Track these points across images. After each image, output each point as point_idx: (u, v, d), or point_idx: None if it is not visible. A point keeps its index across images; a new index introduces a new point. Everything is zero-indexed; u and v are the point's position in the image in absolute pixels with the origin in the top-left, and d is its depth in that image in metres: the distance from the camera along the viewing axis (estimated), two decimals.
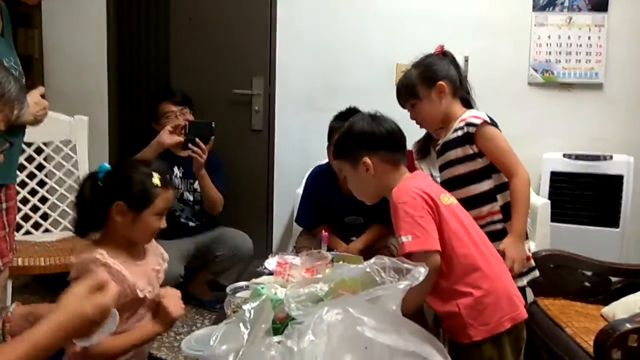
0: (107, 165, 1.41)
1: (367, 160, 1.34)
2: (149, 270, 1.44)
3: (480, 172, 1.63)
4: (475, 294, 1.26)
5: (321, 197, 2.30)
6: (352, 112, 2.20)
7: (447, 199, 1.34)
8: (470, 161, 1.62)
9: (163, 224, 1.42)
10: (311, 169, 2.46)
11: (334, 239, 2.17)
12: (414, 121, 1.75)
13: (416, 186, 1.31)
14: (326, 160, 2.30)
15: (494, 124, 1.64)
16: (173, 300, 1.40)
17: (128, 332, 1.35)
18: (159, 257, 1.51)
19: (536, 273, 1.69)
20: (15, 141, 1.49)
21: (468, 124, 1.62)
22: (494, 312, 1.27)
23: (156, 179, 1.38)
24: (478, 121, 1.61)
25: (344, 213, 2.26)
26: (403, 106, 1.75)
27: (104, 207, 1.37)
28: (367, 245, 2.21)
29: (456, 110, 1.67)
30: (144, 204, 1.36)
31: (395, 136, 1.39)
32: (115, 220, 1.36)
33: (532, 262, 1.68)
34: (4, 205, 1.54)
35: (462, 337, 1.28)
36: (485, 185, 1.62)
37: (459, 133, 1.63)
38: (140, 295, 1.36)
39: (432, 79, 1.66)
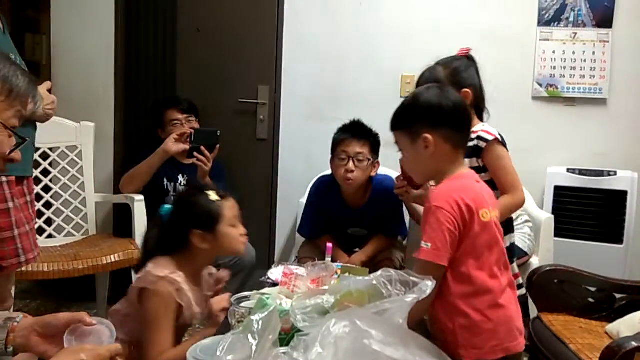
0: (168, 206, 1.48)
1: (429, 136, 1.24)
2: (202, 297, 1.50)
3: None
4: (474, 317, 1.22)
5: (324, 208, 2.29)
6: (355, 124, 2.22)
7: (487, 215, 1.25)
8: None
9: (242, 230, 1.50)
10: (315, 179, 2.46)
11: (336, 251, 2.14)
12: None
13: (459, 193, 1.22)
14: (330, 171, 2.29)
15: (503, 142, 1.64)
16: (222, 305, 1.45)
17: (184, 342, 1.40)
18: (208, 282, 1.56)
19: (522, 291, 1.70)
20: (29, 136, 1.51)
21: (479, 138, 1.62)
22: (489, 338, 1.22)
23: (213, 195, 1.46)
24: (490, 137, 1.61)
25: (347, 225, 2.26)
26: None
27: (181, 240, 1.44)
28: (369, 257, 2.20)
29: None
30: (215, 221, 1.44)
31: (462, 113, 1.29)
32: (200, 247, 1.42)
33: (520, 279, 1.69)
34: (28, 198, 1.55)
35: (452, 353, 1.22)
36: None
37: (470, 144, 1.60)
38: (195, 322, 1.45)
39: (459, 84, 1.63)
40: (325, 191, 2.29)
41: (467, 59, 1.70)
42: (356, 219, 2.25)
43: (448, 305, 1.24)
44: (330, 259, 1.74)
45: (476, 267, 1.22)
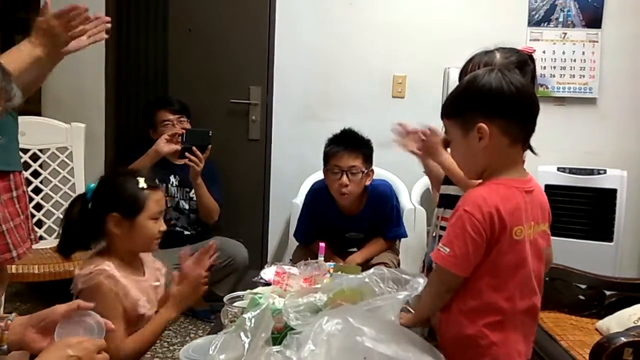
0: (92, 184, 1.41)
1: (484, 126, 1.06)
2: (149, 286, 1.44)
3: None
4: (469, 331, 1.09)
5: (320, 215, 2.26)
6: (347, 135, 2.17)
7: (521, 233, 1.08)
8: None
9: (162, 226, 1.41)
10: (310, 184, 2.44)
11: (330, 256, 2.09)
12: None
13: (496, 203, 1.06)
14: (321, 173, 2.26)
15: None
16: (190, 282, 1.40)
17: (145, 326, 1.35)
18: (157, 272, 1.50)
19: None
20: (6, 128, 1.47)
21: None
22: (482, 355, 1.09)
23: (142, 183, 1.38)
24: None
25: (344, 231, 2.26)
26: (460, 78, 1.52)
27: (99, 223, 1.37)
28: (365, 259, 2.18)
29: None
30: (137, 210, 1.36)
31: (528, 102, 1.10)
32: (114, 233, 1.36)
33: None
34: (14, 193, 1.53)
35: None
36: None
37: None
38: (141, 311, 1.36)
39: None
40: (320, 199, 2.24)
41: (529, 58, 1.58)
42: (353, 226, 2.25)
43: (450, 316, 1.12)
44: (323, 259, 1.74)
45: (491, 285, 1.08)
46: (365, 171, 2.12)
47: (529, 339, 1.16)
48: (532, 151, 1.56)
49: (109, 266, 1.33)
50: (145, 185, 1.38)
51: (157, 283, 1.48)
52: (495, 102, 1.08)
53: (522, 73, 1.56)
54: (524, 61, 1.59)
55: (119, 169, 1.47)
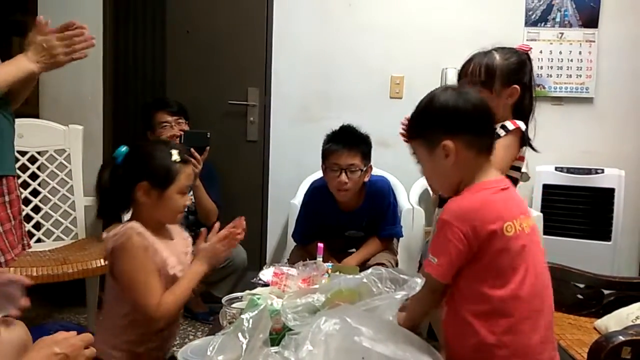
0: (124, 149, 1.42)
1: (449, 143, 1.11)
2: (178, 250, 1.46)
3: None
4: (487, 339, 1.08)
5: (319, 213, 2.26)
6: (345, 132, 2.17)
7: (512, 229, 1.10)
8: None
9: (187, 200, 1.44)
10: (308, 185, 2.43)
11: (328, 257, 2.08)
12: None
13: (476, 212, 1.09)
14: (321, 173, 2.26)
15: (524, 138, 1.55)
16: (227, 241, 1.44)
17: (178, 282, 1.37)
18: (185, 241, 1.53)
19: None
20: (5, 132, 1.48)
21: (502, 127, 1.53)
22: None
23: (175, 155, 1.39)
24: (511, 126, 1.53)
25: (343, 228, 2.26)
26: (459, 79, 1.61)
27: (128, 189, 1.39)
28: (363, 260, 2.17)
29: (505, 114, 1.57)
30: (168, 182, 1.38)
31: (484, 114, 1.14)
32: (141, 201, 1.38)
33: None
34: (6, 198, 1.52)
35: None
36: None
37: None
38: (171, 272, 1.38)
39: (513, 79, 1.55)
40: (319, 197, 2.25)
41: (527, 57, 1.62)
42: (351, 223, 2.25)
43: (459, 324, 1.11)
44: (321, 259, 1.74)
45: (495, 286, 1.08)
46: (364, 168, 2.13)
47: (549, 346, 1.15)
48: (532, 148, 1.57)
49: (136, 224, 1.35)
50: (178, 158, 1.40)
51: (186, 250, 1.51)
52: (455, 119, 1.12)
53: (521, 73, 1.58)
54: (522, 62, 1.60)
55: (154, 142, 1.48)
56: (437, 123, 1.14)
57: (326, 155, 2.14)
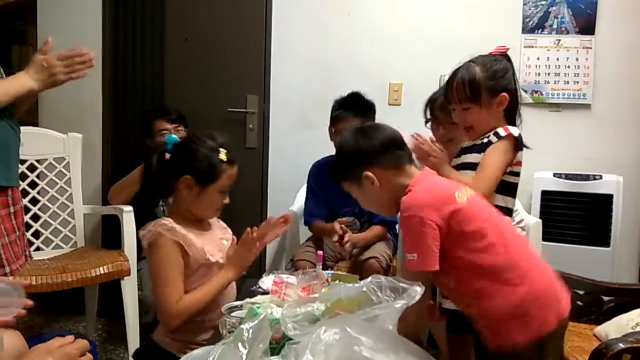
0: (175, 136, 1.46)
1: (369, 173, 1.27)
2: (217, 239, 1.50)
3: None
4: (516, 291, 1.16)
5: (322, 189, 2.40)
6: (353, 99, 2.34)
7: (462, 196, 1.23)
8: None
9: (226, 200, 1.47)
10: (311, 165, 2.53)
11: (328, 229, 2.27)
12: (459, 123, 1.63)
13: (425, 195, 1.22)
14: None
15: (518, 143, 1.56)
16: (247, 245, 1.46)
17: (205, 284, 1.41)
18: (223, 229, 1.57)
19: None
20: (8, 143, 1.50)
21: (495, 133, 1.55)
22: (539, 309, 1.17)
23: (223, 155, 1.42)
24: (504, 133, 1.54)
25: (343, 205, 2.31)
26: (450, 102, 1.62)
27: (171, 179, 1.43)
28: (366, 241, 2.28)
29: (500, 124, 1.58)
30: (211, 179, 1.42)
31: (390, 141, 1.31)
32: (182, 193, 1.41)
33: None
34: (11, 209, 1.54)
35: (503, 340, 1.17)
36: (494, 201, 1.53)
37: (484, 140, 1.56)
38: (212, 259, 1.42)
39: (499, 87, 1.55)
40: (321, 172, 2.42)
41: (506, 60, 1.62)
42: (351, 198, 2.30)
43: (483, 290, 1.19)
44: (321, 266, 1.74)
45: (488, 246, 1.19)
46: None
47: (552, 274, 1.25)
48: (526, 147, 1.59)
49: (167, 220, 1.39)
50: (225, 159, 1.43)
51: (227, 235, 1.55)
52: (362, 153, 1.29)
53: (505, 79, 1.59)
54: (504, 68, 1.60)
55: (207, 136, 1.48)
56: (352, 163, 1.30)
57: (336, 120, 2.33)
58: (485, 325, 1.21)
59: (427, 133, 1.79)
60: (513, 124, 1.62)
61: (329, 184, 2.28)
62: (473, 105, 1.56)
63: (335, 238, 2.22)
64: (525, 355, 1.16)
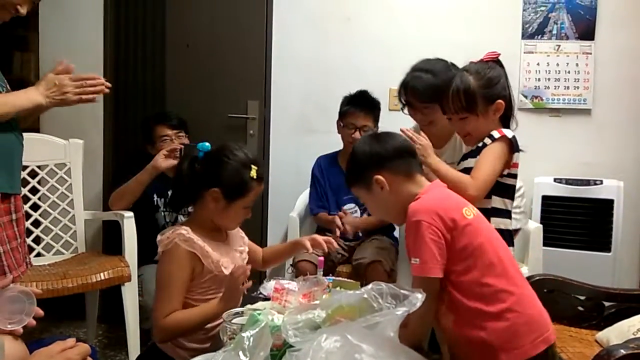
0: (207, 145, 1.46)
1: (379, 177, 1.28)
2: (232, 250, 1.51)
3: None
4: (506, 315, 1.18)
5: (325, 179, 2.59)
6: (362, 97, 2.52)
7: (470, 213, 1.25)
8: None
9: (249, 214, 1.49)
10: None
11: (329, 221, 2.45)
12: (458, 132, 1.66)
13: (434, 203, 1.24)
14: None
15: (513, 145, 1.56)
16: (230, 280, 1.42)
17: (191, 311, 1.40)
18: (240, 239, 1.58)
19: None
20: (12, 151, 1.51)
21: (489, 136, 1.56)
22: (527, 333, 1.18)
23: (254, 172, 1.43)
24: (497, 135, 1.55)
25: (347, 191, 2.31)
26: (445, 112, 1.63)
27: (199, 187, 1.43)
28: (365, 226, 2.45)
29: (495, 127, 1.59)
30: (239, 196, 1.43)
31: (402, 148, 1.33)
32: (208, 205, 1.43)
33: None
34: (14, 216, 1.54)
35: None
36: (485, 204, 1.56)
37: (479, 144, 1.58)
38: (226, 272, 1.42)
39: (495, 95, 1.56)
40: (325, 164, 2.63)
41: (498, 65, 1.62)
42: None
43: (473, 313, 1.19)
44: (322, 273, 1.74)
45: (486, 266, 1.20)
46: (375, 129, 2.47)
47: (538, 301, 1.27)
48: (520, 149, 1.60)
49: (185, 230, 1.40)
50: (255, 176, 1.44)
51: (242, 248, 1.56)
52: (375, 157, 1.31)
53: (499, 85, 1.59)
54: (498, 75, 1.61)
55: (240, 150, 1.48)
56: (364, 166, 1.32)
57: (344, 115, 2.52)
58: (471, 346, 1.21)
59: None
60: (508, 128, 1.63)
61: (331, 172, 2.59)
62: (470, 115, 1.57)
63: (337, 233, 2.35)
64: None
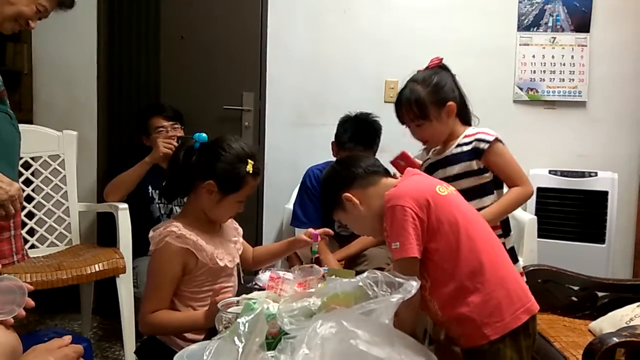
0: (204, 135, 1.44)
1: (347, 194, 1.32)
2: (226, 241, 1.51)
3: (483, 188, 1.62)
4: (485, 288, 1.20)
5: (319, 195, 2.36)
6: (362, 130, 2.30)
7: (444, 190, 1.29)
8: (473, 176, 1.61)
9: (241, 209, 1.48)
10: (306, 170, 2.50)
11: (321, 245, 2.18)
12: (417, 139, 1.71)
13: (406, 188, 1.27)
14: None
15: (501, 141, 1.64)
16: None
17: (177, 314, 1.41)
18: (234, 230, 1.58)
19: None
20: (14, 146, 1.50)
21: (479, 140, 1.61)
22: (507, 305, 1.20)
23: (250, 167, 1.43)
24: (490, 138, 1.60)
25: None
26: (403, 122, 1.69)
27: (193, 178, 1.43)
28: (350, 255, 2.28)
29: (458, 127, 1.66)
30: (234, 189, 1.42)
31: (362, 163, 1.37)
32: (202, 197, 1.42)
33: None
34: None
35: (478, 339, 1.20)
36: (488, 201, 1.61)
37: (465, 148, 1.62)
38: (221, 264, 1.43)
39: (442, 100, 1.62)
40: (318, 177, 2.41)
41: (442, 69, 1.68)
42: None
43: (455, 292, 1.21)
44: (317, 246, 1.73)
45: (463, 240, 1.22)
46: None
47: (518, 274, 1.32)
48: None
49: (177, 227, 1.38)
50: (251, 170, 1.43)
51: (235, 239, 1.56)
52: (338, 179, 1.36)
53: (447, 89, 1.63)
54: (441, 79, 1.65)
55: (238, 144, 1.47)
56: (333, 191, 1.36)
57: (342, 146, 2.29)
58: (459, 326, 1.23)
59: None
60: (469, 124, 1.70)
61: None
62: (424, 122, 1.63)
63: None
64: (502, 348, 1.19)
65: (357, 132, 2.30)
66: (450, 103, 1.62)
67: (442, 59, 1.71)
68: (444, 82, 1.64)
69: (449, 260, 1.22)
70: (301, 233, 1.72)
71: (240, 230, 1.63)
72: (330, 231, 1.74)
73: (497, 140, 1.62)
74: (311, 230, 1.73)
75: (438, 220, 1.22)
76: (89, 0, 2.87)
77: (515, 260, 1.65)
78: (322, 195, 1.45)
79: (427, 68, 1.70)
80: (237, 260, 1.56)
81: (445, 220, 1.22)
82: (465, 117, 1.70)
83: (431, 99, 1.61)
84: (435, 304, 1.25)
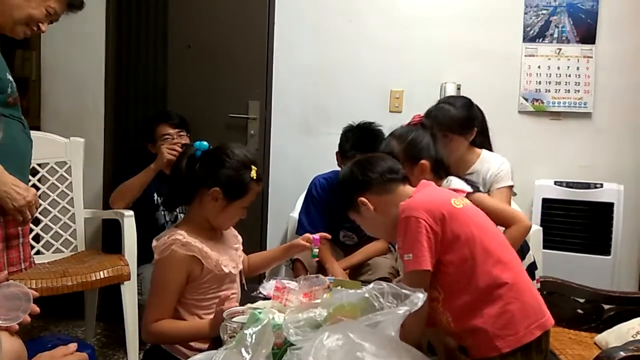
0: (205, 143, 1.45)
1: (362, 198, 1.33)
2: (228, 248, 1.51)
3: None
4: (500, 301, 1.19)
5: (323, 203, 2.40)
6: (367, 140, 2.29)
7: (459, 202, 1.28)
8: None
9: (244, 215, 1.49)
10: (313, 178, 2.52)
11: (326, 254, 2.24)
12: None
13: (421, 199, 1.27)
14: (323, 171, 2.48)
15: (476, 190, 1.68)
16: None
17: (182, 324, 1.41)
18: (234, 238, 1.59)
19: None
20: (27, 153, 1.51)
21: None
22: (522, 319, 1.19)
23: (254, 173, 1.43)
24: (463, 194, 1.58)
25: (342, 220, 2.30)
26: None
27: (197, 186, 1.42)
28: (355, 265, 2.29)
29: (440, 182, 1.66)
30: (239, 196, 1.42)
31: (383, 169, 1.37)
32: (206, 204, 1.42)
33: None
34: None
35: (489, 350, 1.18)
36: None
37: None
38: (226, 270, 1.44)
39: (415, 157, 1.63)
40: (324, 186, 2.43)
41: (422, 127, 1.70)
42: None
43: (469, 304, 1.21)
44: (317, 250, 1.73)
45: (479, 253, 1.21)
46: None
47: (534, 288, 1.30)
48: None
49: (181, 235, 1.38)
50: (255, 177, 1.43)
51: (237, 246, 1.56)
52: (355, 182, 1.36)
53: (419, 148, 1.63)
54: (419, 137, 1.66)
55: (240, 150, 1.47)
56: (349, 192, 1.37)
57: (346, 155, 2.31)
58: (471, 337, 1.22)
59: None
60: (443, 176, 1.69)
61: (332, 198, 2.35)
62: None
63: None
64: None
65: (359, 140, 2.31)
66: (424, 162, 1.62)
67: (422, 116, 1.76)
68: (419, 140, 1.65)
69: (464, 272, 1.21)
70: (299, 238, 1.72)
71: (240, 237, 1.64)
72: (328, 235, 1.74)
73: (470, 193, 1.60)
74: (309, 235, 1.73)
75: (453, 233, 1.21)
76: (97, 8, 2.90)
77: (534, 267, 1.69)
78: (339, 193, 1.45)
79: (408, 124, 1.74)
80: (240, 266, 1.56)
81: (461, 232, 1.22)
82: (441, 171, 1.67)
83: (405, 155, 1.62)
84: (448, 316, 1.24)
